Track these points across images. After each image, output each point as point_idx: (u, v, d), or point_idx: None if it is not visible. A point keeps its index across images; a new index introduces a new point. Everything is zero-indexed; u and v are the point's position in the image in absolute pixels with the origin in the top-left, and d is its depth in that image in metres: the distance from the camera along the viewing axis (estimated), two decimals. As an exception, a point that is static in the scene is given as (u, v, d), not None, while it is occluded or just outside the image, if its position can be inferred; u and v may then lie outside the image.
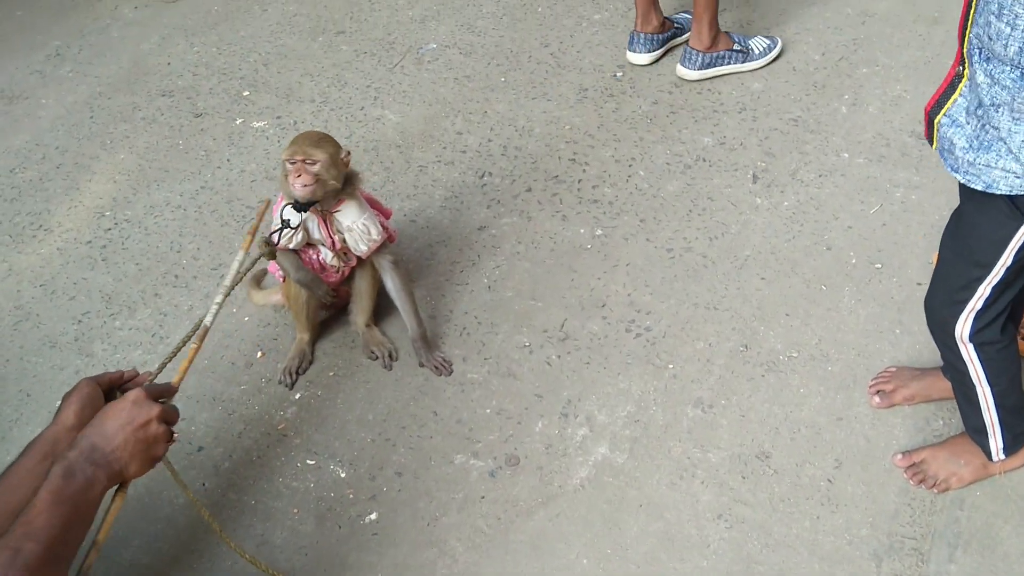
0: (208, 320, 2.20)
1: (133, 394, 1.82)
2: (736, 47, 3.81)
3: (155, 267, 3.31)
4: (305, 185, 2.52)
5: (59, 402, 2.08)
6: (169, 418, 1.86)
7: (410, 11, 4.73)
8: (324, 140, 2.59)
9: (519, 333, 2.89)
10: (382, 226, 2.75)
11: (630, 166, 3.48)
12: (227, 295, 2.28)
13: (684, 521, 2.37)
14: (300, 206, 2.59)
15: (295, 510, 2.45)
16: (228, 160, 3.81)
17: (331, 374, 2.85)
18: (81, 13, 4.81)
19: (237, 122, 4.02)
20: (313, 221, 2.66)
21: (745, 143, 3.50)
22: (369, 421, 2.68)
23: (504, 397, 2.70)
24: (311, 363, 2.88)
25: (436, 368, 2.79)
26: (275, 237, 2.61)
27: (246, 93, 4.20)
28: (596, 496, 2.43)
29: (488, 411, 2.66)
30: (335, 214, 2.68)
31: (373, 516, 2.43)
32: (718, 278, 2.97)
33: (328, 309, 2.98)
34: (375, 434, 2.64)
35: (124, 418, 1.79)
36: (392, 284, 2.80)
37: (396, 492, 2.48)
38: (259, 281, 3.16)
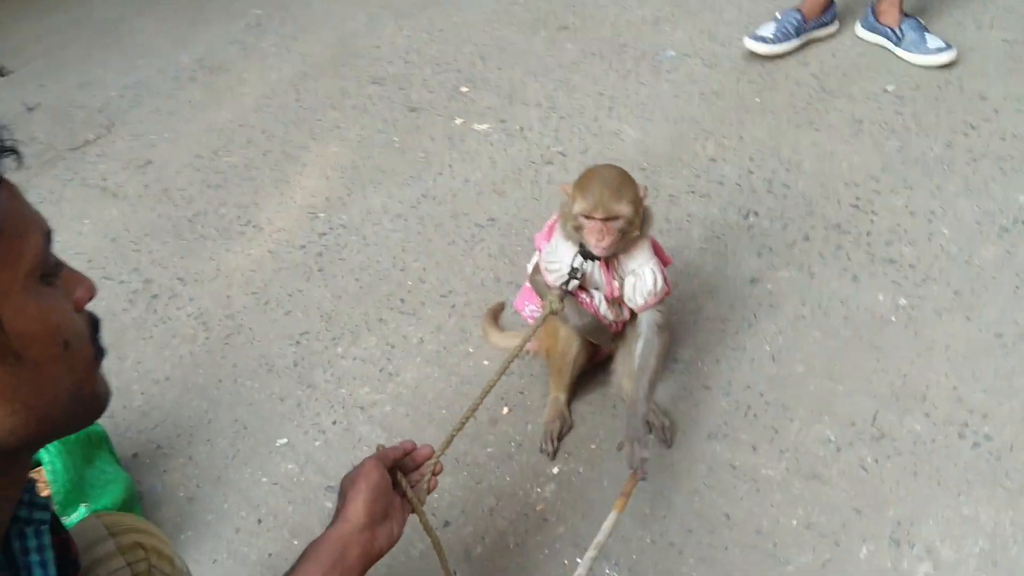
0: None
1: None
2: (902, 28, 3.62)
3: (377, 286, 2.94)
4: (608, 247, 2.12)
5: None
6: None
7: (640, 10, 4.26)
8: (625, 186, 2.13)
9: (819, 422, 2.41)
10: (663, 277, 2.30)
11: (930, 221, 2.94)
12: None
13: None
14: (589, 254, 2.17)
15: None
16: (450, 166, 3.41)
17: (592, 446, 2.42)
18: (288, -15, 4.47)
19: (457, 122, 3.62)
20: (595, 265, 2.23)
21: (1072, 207, 2.91)
22: (646, 516, 2.24)
23: (812, 506, 2.22)
24: (571, 428, 2.46)
25: (639, 466, 2.17)
26: (564, 286, 2.19)
27: (464, 89, 3.80)
28: (953, 662, 1.93)
29: (795, 523, 2.19)
30: (620, 257, 2.25)
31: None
32: (1068, 380, 2.42)
33: (587, 363, 2.54)
34: (655, 534, 2.19)
35: None
36: (646, 347, 2.29)
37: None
38: (496, 316, 2.75)
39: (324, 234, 3.15)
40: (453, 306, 2.85)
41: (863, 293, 2.74)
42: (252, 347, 2.76)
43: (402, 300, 2.88)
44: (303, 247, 3.10)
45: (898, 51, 3.65)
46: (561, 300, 2.13)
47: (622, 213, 2.10)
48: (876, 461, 2.30)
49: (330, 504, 2.34)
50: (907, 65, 3.58)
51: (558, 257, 2.23)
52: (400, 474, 1.73)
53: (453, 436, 1.81)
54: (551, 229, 2.31)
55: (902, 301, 2.70)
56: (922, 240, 2.88)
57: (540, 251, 2.32)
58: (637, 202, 2.16)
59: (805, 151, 3.28)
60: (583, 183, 2.14)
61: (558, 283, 2.20)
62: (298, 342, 2.78)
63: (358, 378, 2.66)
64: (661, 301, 2.30)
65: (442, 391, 2.59)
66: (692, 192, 3.18)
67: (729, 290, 2.80)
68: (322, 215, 3.23)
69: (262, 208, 3.30)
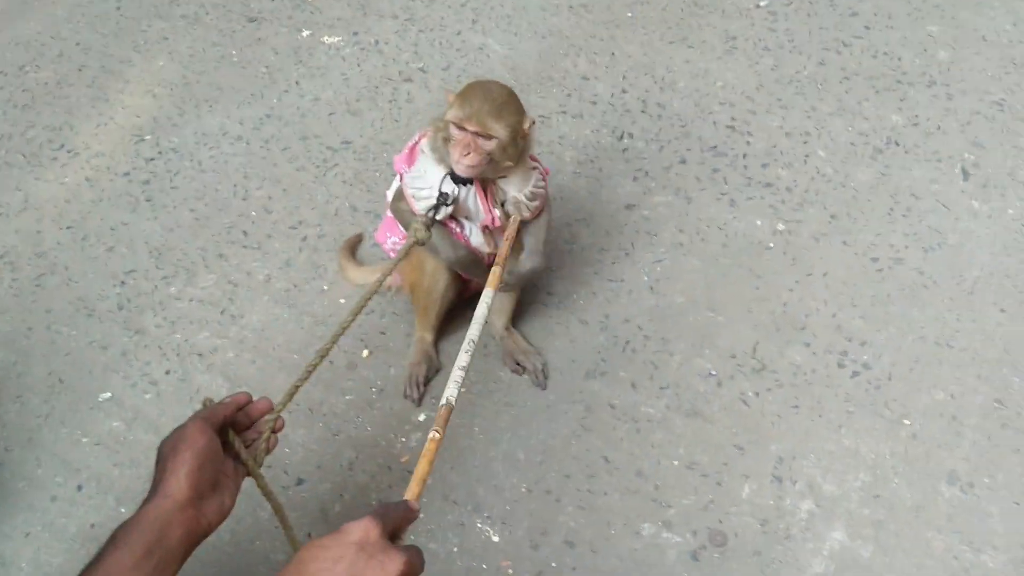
0: (451, 396, 1.62)
1: (358, 531, 1.17)
2: None
3: (216, 217, 2.61)
4: (472, 165, 1.91)
5: (156, 452, 1.42)
6: (416, 572, 1.22)
7: (504, -85, 3.93)
8: (508, 107, 1.93)
9: (700, 356, 2.28)
10: (543, 183, 2.11)
11: (805, 143, 2.84)
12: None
13: (961, 648, 1.82)
14: (461, 177, 1.94)
15: (437, 585, 1.84)
16: (297, 83, 3.07)
17: (462, 390, 2.20)
18: None
19: (304, 34, 3.27)
20: (469, 191, 2.00)
21: (944, 127, 2.87)
22: (520, 462, 2.06)
23: (694, 445, 2.09)
24: (438, 371, 2.24)
25: (534, 371, 2.20)
26: (431, 215, 1.95)
27: (311, -2, 3.42)
28: (839, 602, 1.86)
29: (676, 463, 2.06)
30: (498, 181, 2.02)
31: (542, 604, 1.83)
32: (944, 304, 2.38)
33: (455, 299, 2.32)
34: (531, 482, 2.02)
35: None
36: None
37: (570, 571, 1.88)
38: (354, 250, 2.49)
39: (152, 159, 2.78)
40: (304, 239, 2.56)
41: (741, 218, 2.61)
42: (68, 289, 2.40)
43: (245, 233, 2.56)
44: (127, 174, 2.72)
45: None
46: (428, 229, 1.89)
47: (496, 133, 1.89)
48: (757, 395, 2.19)
49: (164, 467, 2.05)
50: (780, -20, 3.44)
51: (425, 182, 1.99)
52: (232, 433, 1.48)
53: (297, 387, 1.57)
54: (413, 150, 2.05)
55: (780, 226, 2.59)
56: (798, 162, 2.78)
57: (401, 176, 2.06)
58: (517, 129, 1.94)
59: (679, 69, 3.11)
60: (466, 91, 1.94)
61: (426, 211, 1.95)
62: (123, 282, 2.43)
63: (195, 322, 2.34)
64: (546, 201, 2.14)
65: (293, 334, 2.32)
66: (564, 112, 2.97)
67: (604, 217, 2.62)
68: (149, 138, 2.85)
69: (78, 131, 2.88)
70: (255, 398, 1.53)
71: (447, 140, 1.93)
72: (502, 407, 2.17)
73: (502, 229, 2.09)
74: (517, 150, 1.94)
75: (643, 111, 2.96)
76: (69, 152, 2.81)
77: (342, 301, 2.39)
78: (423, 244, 1.93)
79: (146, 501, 1.36)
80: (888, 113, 2.93)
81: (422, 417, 2.14)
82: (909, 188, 2.69)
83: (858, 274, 2.46)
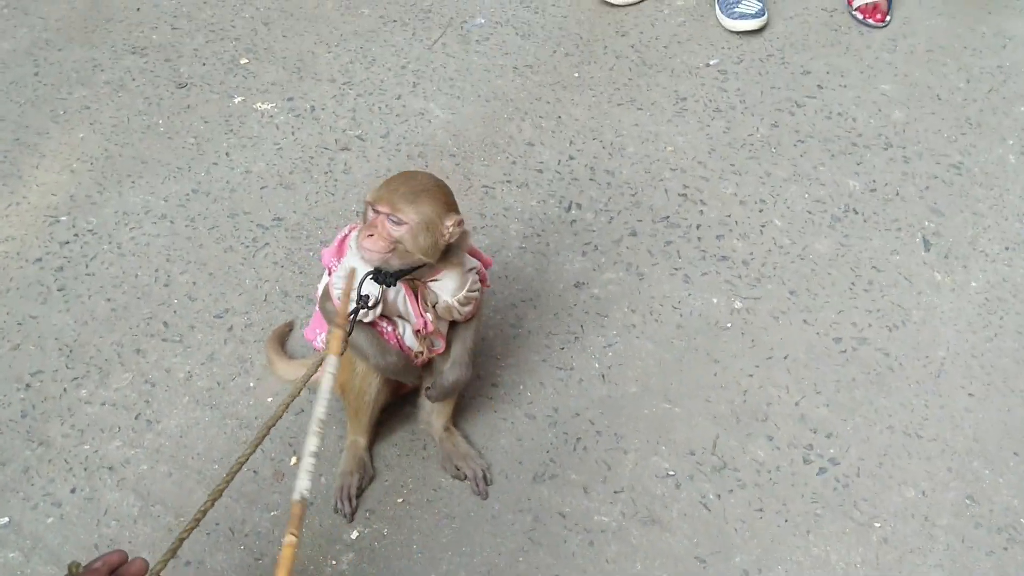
0: (304, 489, 1.37)
1: None
2: None
3: (134, 307, 2.41)
4: (373, 251, 1.74)
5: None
6: None
7: (445, -29, 3.82)
8: (428, 194, 1.79)
9: (656, 453, 2.13)
10: (481, 279, 1.95)
11: (761, 211, 2.72)
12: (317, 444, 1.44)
13: None
14: (385, 278, 1.77)
15: None
16: (227, 154, 2.90)
17: (399, 500, 2.03)
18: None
19: (236, 100, 3.10)
20: (399, 292, 1.83)
21: (902, 193, 2.78)
22: (463, 585, 1.88)
23: (652, 558, 1.93)
24: (372, 479, 2.06)
25: (475, 478, 2.05)
26: (352, 320, 1.77)
27: (244, 61, 3.27)
28: None
29: (633, 579, 1.89)
30: (430, 284, 1.86)
31: None
32: (910, 388, 2.25)
33: (390, 398, 2.14)
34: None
35: None
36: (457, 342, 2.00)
37: None
38: (283, 341, 2.31)
39: (67, 242, 2.58)
40: (230, 328, 2.37)
41: (696, 295, 2.48)
42: (-34, 395, 2.18)
43: (165, 324, 2.37)
44: (39, 260, 2.52)
45: (716, 12, 3.42)
46: (345, 341, 1.70)
47: (406, 217, 1.74)
48: (719, 496, 2.04)
49: (65, 604, 1.83)
50: (728, 35, 3.35)
51: (346, 279, 1.81)
52: None
53: (181, 540, 1.38)
54: (342, 244, 1.89)
55: (737, 304, 2.46)
56: (754, 233, 2.66)
57: (329, 271, 1.90)
58: (435, 224, 1.77)
59: (628, 133, 2.99)
60: (393, 176, 1.83)
61: (346, 316, 1.78)
62: (28, 385, 2.22)
63: (107, 429, 2.14)
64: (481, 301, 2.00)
65: (214, 440, 2.13)
66: (508, 181, 2.82)
67: (552, 296, 2.47)
68: (64, 218, 2.65)
69: (-14, 211, 2.67)
70: (128, 558, 1.34)
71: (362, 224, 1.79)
72: (443, 520, 1.99)
73: (438, 332, 1.93)
74: (433, 244, 1.78)
75: (591, 179, 2.83)
76: (-26, 236, 2.60)
77: (269, 400, 2.21)
78: (340, 354, 1.74)
79: None
80: (845, 178, 2.83)
81: (354, 535, 1.95)
82: (870, 260, 2.58)
83: (821, 356, 2.33)
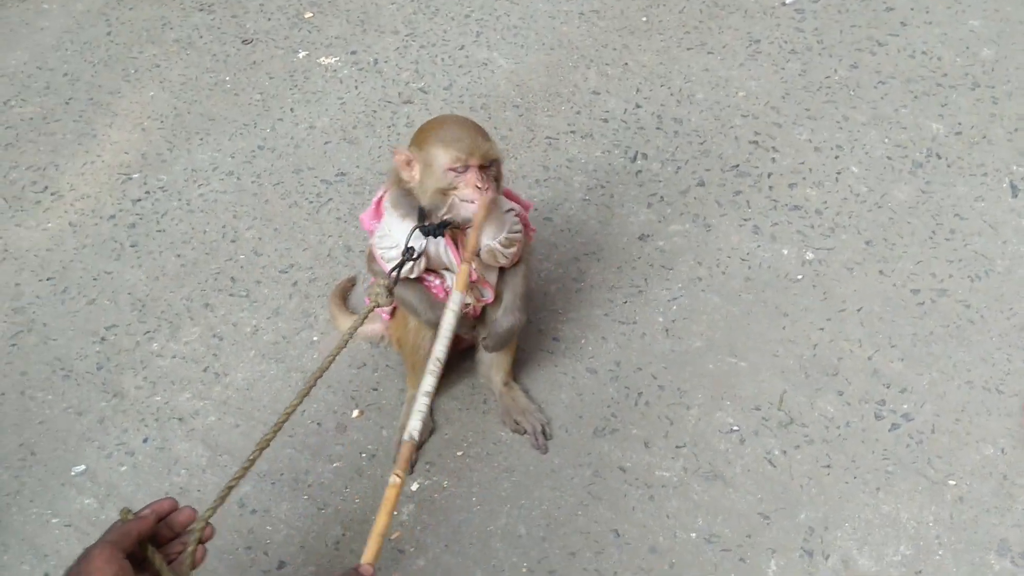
0: (414, 430, 1.41)
1: None
2: None
3: (203, 262, 2.45)
4: (495, 197, 1.77)
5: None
6: None
7: (512, -84, 3.72)
8: (480, 127, 1.80)
9: (720, 408, 2.07)
10: (523, 223, 1.91)
11: (837, 157, 2.61)
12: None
13: None
14: (432, 229, 1.77)
15: None
16: (291, 109, 2.91)
17: (459, 453, 2.04)
18: None
19: (300, 55, 3.10)
20: (439, 243, 1.81)
21: (989, 136, 2.62)
22: (522, 539, 1.88)
23: (714, 514, 1.89)
24: (432, 432, 2.07)
25: (534, 432, 2.03)
26: (394, 276, 1.77)
27: (308, 15, 3.26)
28: None
29: (694, 536, 1.86)
30: (470, 231, 1.83)
31: None
32: (992, 341, 2.14)
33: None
34: (532, 561, 1.84)
35: None
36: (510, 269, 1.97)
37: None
38: (345, 297, 2.32)
39: (139, 200, 2.63)
40: (295, 283, 2.40)
41: (766, 247, 2.39)
42: (46, 348, 2.27)
43: (233, 279, 2.41)
44: (112, 217, 2.58)
45: None
46: (390, 293, 1.70)
47: (499, 155, 1.78)
48: (784, 453, 1.98)
49: (138, 550, 1.90)
50: (807, -25, 3.19)
51: (392, 240, 1.81)
52: (152, 549, 1.29)
53: (230, 488, 1.38)
54: (378, 205, 1.88)
55: (809, 255, 2.37)
56: (829, 180, 2.55)
57: (371, 233, 1.89)
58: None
59: (698, 78, 2.89)
60: (436, 134, 1.77)
61: (393, 269, 1.77)
62: (104, 339, 2.29)
63: (177, 381, 2.20)
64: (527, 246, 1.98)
65: (279, 392, 2.16)
66: (572, 132, 2.77)
67: (616, 250, 2.42)
68: (136, 176, 2.70)
69: (63, 170, 2.75)
70: (179, 506, 1.35)
71: (445, 191, 1.75)
72: (502, 473, 1.98)
73: (484, 281, 1.91)
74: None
75: (658, 128, 2.75)
76: (53, 195, 2.68)
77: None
78: (382, 307, 1.75)
79: None
80: (928, 121, 2.68)
81: (414, 487, 1.96)
82: (953, 207, 2.45)
83: (897, 308, 2.23)
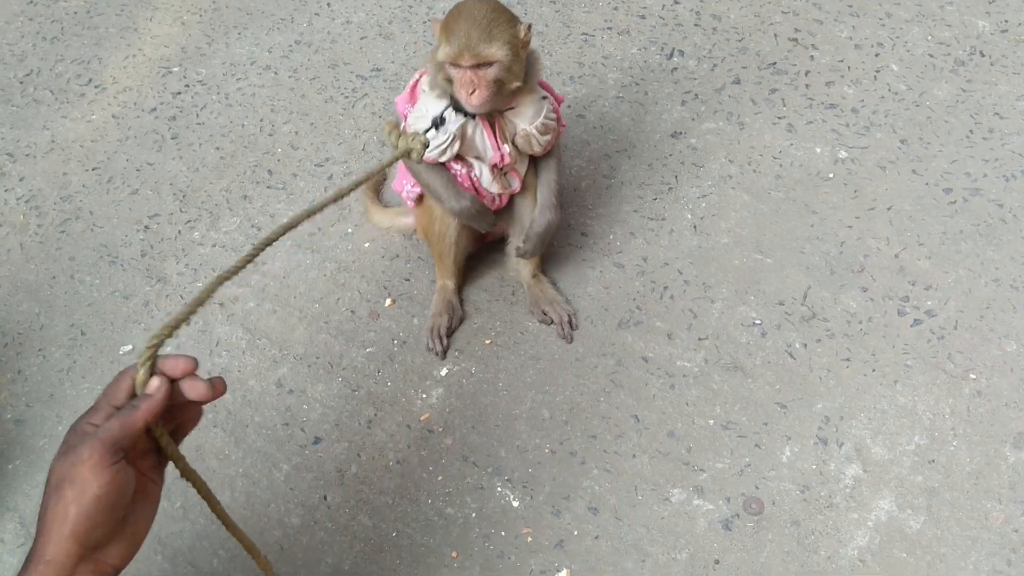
0: None
1: None
2: None
3: (242, 155, 2.51)
4: (483, 101, 1.76)
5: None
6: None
7: None
8: (498, 24, 1.74)
9: (744, 303, 2.11)
10: (555, 114, 1.94)
11: (877, 55, 2.56)
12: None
13: (1018, 635, 1.67)
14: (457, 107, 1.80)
15: (454, 553, 1.77)
16: (328, 4, 2.91)
17: (487, 341, 2.10)
18: None
19: (336, -51, 3.07)
20: (476, 127, 1.84)
21: (1038, 33, 2.54)
22: (545, 422, 1.95)
23: (732, 403, 1.94)
24: (462, 320, 2.13)
25: (561, 323, 2.07)
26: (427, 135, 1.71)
27: (346, -92, 3.21)
28: (883, 580, 1.72)
29: (711, 423, 1.92)
30: (507, 114, 1.85)
31: (562, 575, 1.74)
32: (1023, 241, 2.13)
33: (474, 244, 2.19)
34: (555, 443, 1.92)
35: None
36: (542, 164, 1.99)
37: (592, 539, 1.78)
38: (378, 191, 2.37)
39: (179, 93, 2.68)
40: (330, 177, 2.45)
41: (799, 145, 2.38)
42: (92, 235, 2.36)
43: (270, 172, 2.46)
44: (154, 110, 2.64)
45: None
46: (424, 145, 1.53)
47: (495, 57, 1.73)
48: (805, 346, 2.01)
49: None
50: None
51: (428, 121, 1.83)
52: (159, 427, 1.13)
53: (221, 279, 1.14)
54: (414, 90, 1.90)
55: (842, 153, 2.35)
56: (867, 79, 2.51)
57: (405, 118, 1.91)
58: (516, 44, 1.77)
59: (739, -26, 2.82)
60: (449, 22, 1.76)
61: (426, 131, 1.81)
62: (147, 227, 2.37)
63: (217, 269, 2.28)
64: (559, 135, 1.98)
65: (315, 282, 2.23)
66: (609, 28, 2.74)
67: (648, 147, 2.43)
68: (176, 69, 2.74)
69: (105, 63, 2.80)
70: (228, 385, 1.19)
71: (449, 80, 1.77)
72: (528, 361, 2.05)
73: (513, 169, 1.94)
74: (521, 63, 1.78)
75: (696, 24, 2.71)
76: (97, 87, 2.73)
77: (367, 245, 2.29)
78: (408, 156, 1.55)
79: (22, 570, 1.06)
80: (974, 18, 2.61)
81: (444, 372, 2.04)
82: (993, 106, 2.40)
83: (928, 207, 2.22)
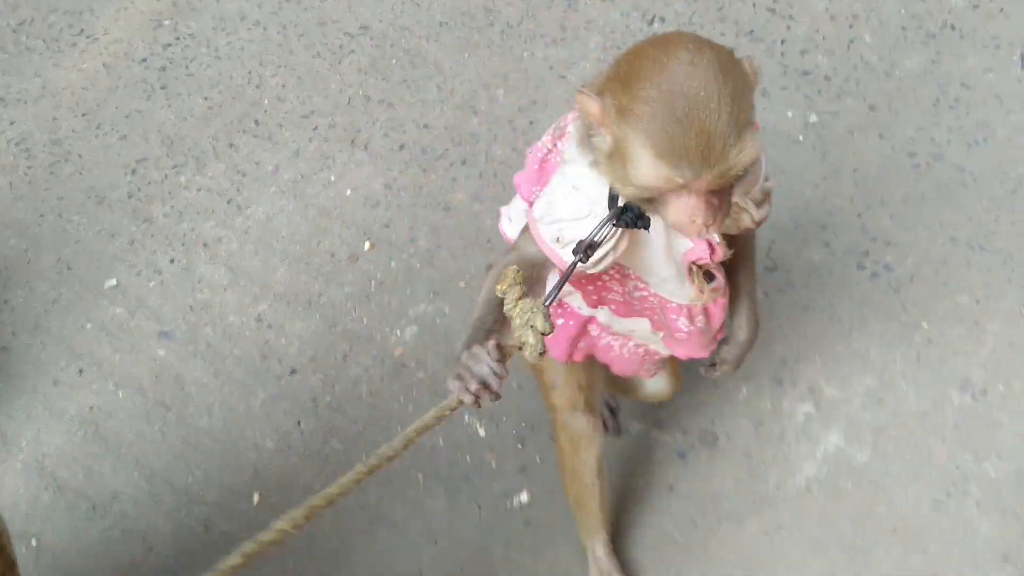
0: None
1: None
2: None
3: (229, 105, 2.57)
4: (716, 229, 1.19)
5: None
6: None
7: None
8: (737, 99, 1.07)
9: (711, 253, 2.17)
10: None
11: (851, 26, 2.63)
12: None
13: (955, 559, 1.75)
14: (635, 214, 1.19)
15: (420, 475, 1.84)
16: (319, -36, 2.96)
17: (461, 284, 2.17)
18: None
19: (329, -88, 3.12)
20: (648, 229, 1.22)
21: (1007, 9, 2.62)
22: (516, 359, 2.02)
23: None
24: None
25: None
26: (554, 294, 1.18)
27: None
28: (830, 507, 1.80)
29: (674, 363, 1.99)
30: None
31: (523, 497, 1.82)
32: (982, 204, 2.21)
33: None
34: (522, 378, 1.99)
35: None
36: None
37: (552, 465, 1.85)
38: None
39: (169, 45, 2.74)
40: (315, 128, 2.51)
41: (771, 109, 2.46)
42: (81, 177, 2.42)
43: (256, 122, 2.53)
44: (144, 60, 2.70)
45: None
46: (547, 319, 1.09)
47: (747, 161, 1.08)
48: (766, 295, 2.09)
49: (163, 352, 2.09)
50: None
51: (577, 208, 1.21)
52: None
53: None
54: (543, 166, 1.33)
55: (812, 118, 2.43)
56: (841, 49, 2.58)
57: (530, 206, 1.30)
58: (757, 138, 1.10)
59: (720, -53, 2.89)
60: (647, 115, 1.06)
61: (563, 257, 1.21)
62: (134, 171, 2.43)
63: (202, 211, 2.34)
64: None
65: (297, 226, 2.30)
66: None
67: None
68: (167, 22, 2.80)
69: (98, 14, 2.85)
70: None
71: (649, 200, 1.14)
72: (500, 302, 2.12)
73: (717, 265, 1.32)
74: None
75: (676, -7, 2.78)
76: (88, 38, 2.79)
77: (348, 192, 2.36)
78: (542, 355, 1.14)
79: None
80: (947, -7, 2.69)
81: (421, 309, 2.11)
82: (960, 78, 2.48)
83: (892, 170, 2.30)
